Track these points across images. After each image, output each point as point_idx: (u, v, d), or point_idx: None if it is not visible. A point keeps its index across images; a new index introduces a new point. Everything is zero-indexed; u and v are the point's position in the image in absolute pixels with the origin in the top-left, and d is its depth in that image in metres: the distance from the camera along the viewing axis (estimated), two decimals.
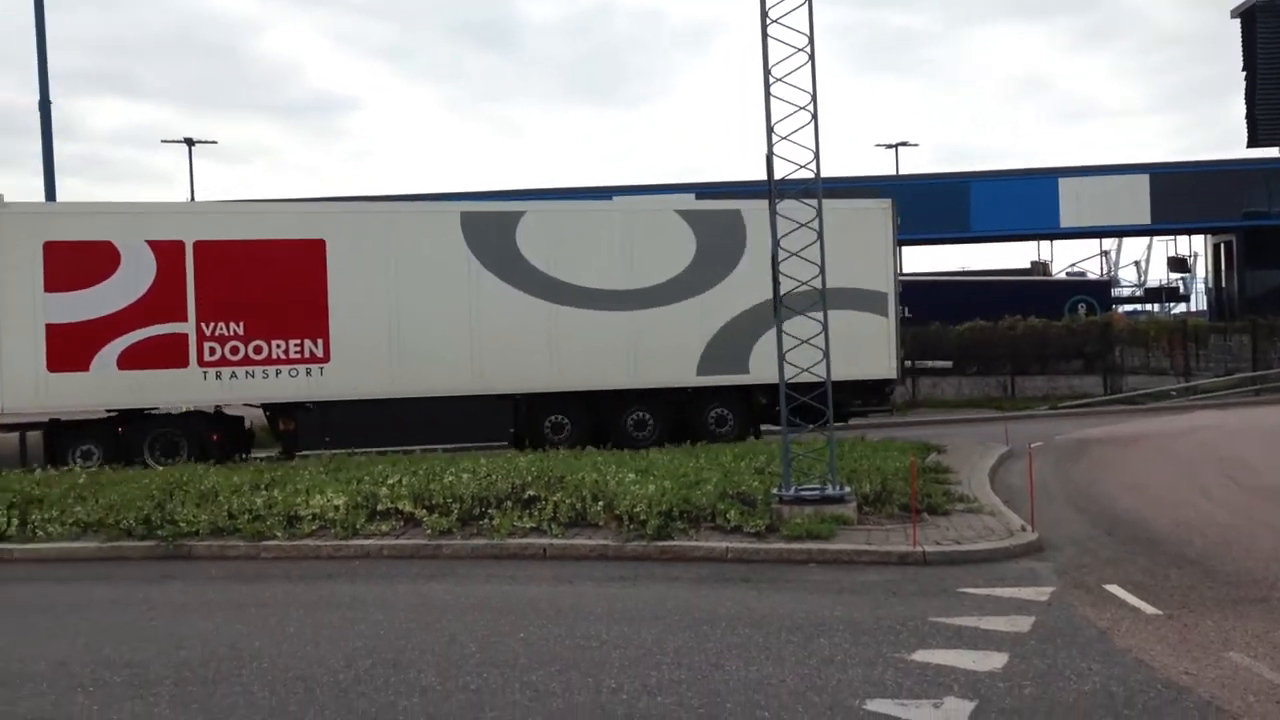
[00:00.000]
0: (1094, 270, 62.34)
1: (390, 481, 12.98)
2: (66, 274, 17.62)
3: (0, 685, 7.07)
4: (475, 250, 18.93)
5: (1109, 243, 62.42)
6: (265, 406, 19.01)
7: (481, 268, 18.92)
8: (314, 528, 11.77)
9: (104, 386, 17.71)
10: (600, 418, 19.70)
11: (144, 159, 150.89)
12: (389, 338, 18.62)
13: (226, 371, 18.08)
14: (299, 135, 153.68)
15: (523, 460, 14.46)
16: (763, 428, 20.55)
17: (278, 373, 18.30)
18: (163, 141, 69.94)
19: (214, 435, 18.46)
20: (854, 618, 8.31)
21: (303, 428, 18.54)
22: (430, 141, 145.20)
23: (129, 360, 17.75)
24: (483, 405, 18.90)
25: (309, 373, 18.38)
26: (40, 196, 26.84)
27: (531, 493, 12.25)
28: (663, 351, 19.33)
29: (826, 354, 12.33)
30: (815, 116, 11.68)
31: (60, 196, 27.63)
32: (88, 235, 17.88)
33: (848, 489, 11.91)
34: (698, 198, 49.24)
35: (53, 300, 17.53)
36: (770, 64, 11.68)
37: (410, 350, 18.66)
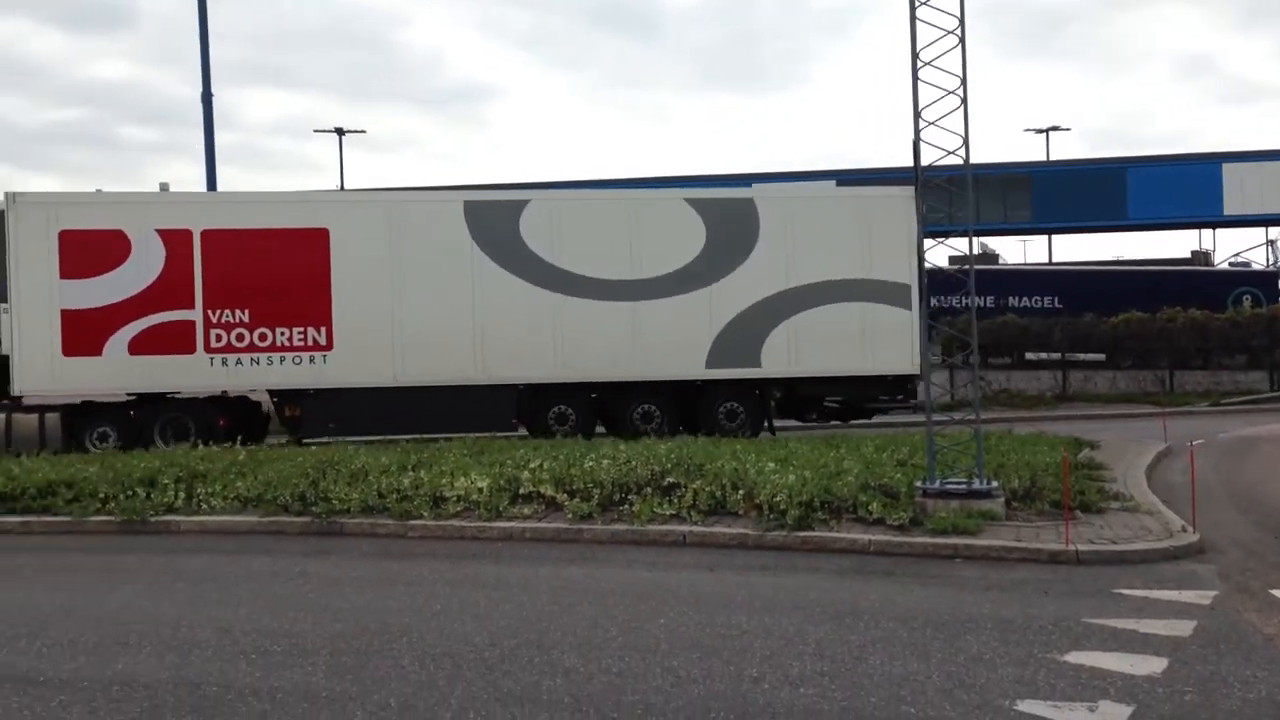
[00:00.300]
0: (1260, 260, 59.24)
1: (532, 465, 13.18)
2: (80, 262, 18.11)
3: (170, 650, 7.44)
4: (478, 239, 18.84)
5: (1276, 231, 59.26)
6: (272, 393, 19.18)
7: (485, 257, 18.81)
8: (459, 509, 12.05)
9: (116, 371, 18.17)
10: (606, 409, 19.57)
11: (297, 148, 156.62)
12: (391, 326, 18.71)
13: (232, 358, 18.41)
14: (443, 124, 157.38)
15: (662, 447, 14.51)
16: (776, 423, 20.09)
17: (281, 360, 18.52)
18: (315, 131, 72.25)
19: (220, 420, 18.66)
20: (1003, 616, 8.09)
21: (307, 414, 18.72)
22: (569, 128, 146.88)
23: (139, 346, 18.20)
24: (486, 394, 18.77)
25: (312, 360, 18.57)
26: (203, 186, 28.14)
27: (671, 480, 12.29)
28: (670, 343, 18.99)
29: (974, 346, 11.99)
30: (965, 101, 11.38)
31: (220, 185, 28.91)
32: (100, 224, 18.36)
33: (995, 484, 11.59)
34: (839, 184, 48.66)
35: (67, 287, 18.03)
36: (919, 47, 11.42)
37: (413, 339, 18.71)
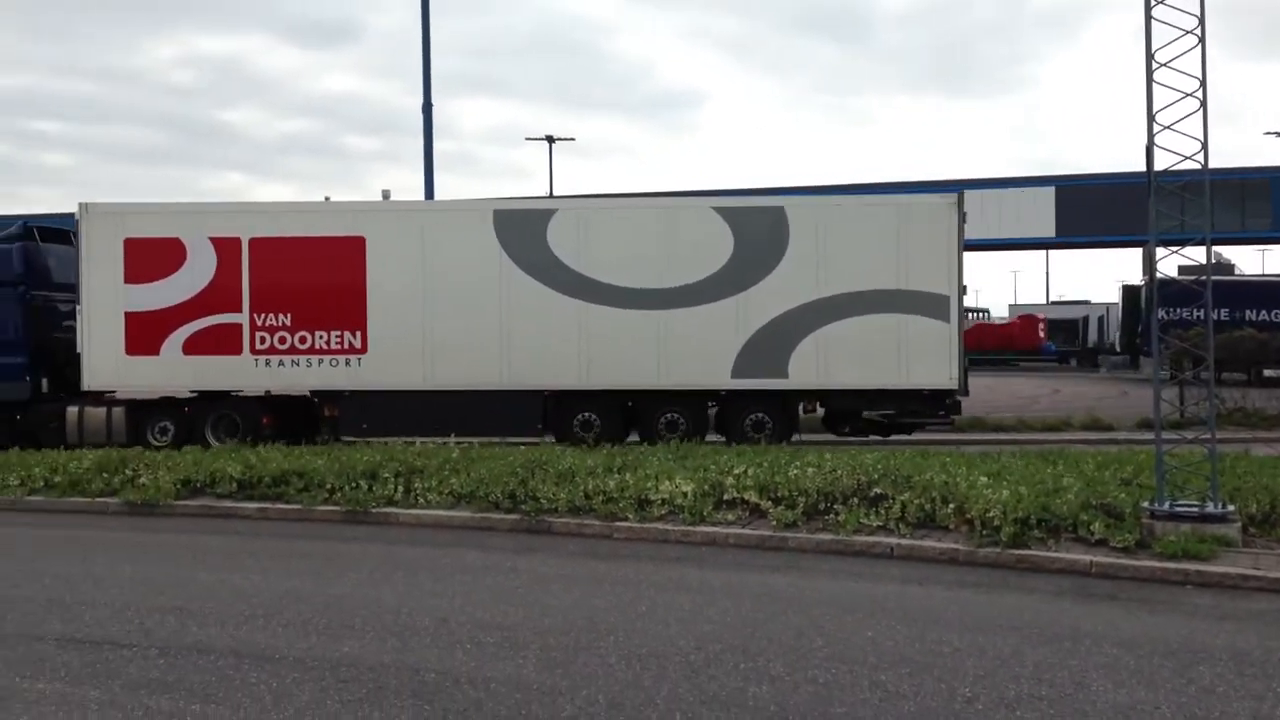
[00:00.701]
0: None
1: (736, 472, 13.16)
2: (142, 267, 19.19)
3: (392, 635, 7.80)
4: (507, 248, 18.99)
5: None
6: (313, 393, 19.69)
7: (513, 265, 18.94)
8: (663, 512, 12.16)
9: (171, 370, 19.28)
10: (631, 416, 19.39)
11: (508, 156, 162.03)
12: (422, 331, 19.07)
13: (275, 359, 19.18)
14: (651, 130, 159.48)
15: (869, 457, 14.24)
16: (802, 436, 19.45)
17: (320, 362, 19.17)
18: (526, 139, 74.66)
19: (264, 419, 19.47)
20: (1239, 647, 7.56)
21: (343, 414, 19.32)
22: (774, 133, 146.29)
23: (192, 346, 19.21)
24: (512, 400, 18.89)
25: (348, 363, 19.15)
26: (421, 194, 29.36)
27: (878, 490, 12.04)
28: (695, 352, 18.69)
29: (1210, 361, 11.26)
30: (1204, 104, 10.70)
31: (438, 193, 30.08)
32: (159, 232, 19.37)
33: (1231, 508, 10.85)
34: (1057, 191, 46.69)
35: (131, 290, 19.16)
36: (1154, 48, 10.82)
37: (442, 344, 19.02)
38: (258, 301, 19.25)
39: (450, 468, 14.14)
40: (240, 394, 19.75)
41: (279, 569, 10.33)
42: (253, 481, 13.95)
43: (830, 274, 18.56)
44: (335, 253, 19.30)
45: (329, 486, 13.53)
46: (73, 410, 19.43)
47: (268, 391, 19.69)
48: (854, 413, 19.48)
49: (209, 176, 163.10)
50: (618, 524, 11.96)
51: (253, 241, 19.35)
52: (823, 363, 18.59)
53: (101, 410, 19.49)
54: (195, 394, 19.79)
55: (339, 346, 19.23)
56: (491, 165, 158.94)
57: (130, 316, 19.29)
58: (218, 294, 19.27)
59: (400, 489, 13.39)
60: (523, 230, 19.12)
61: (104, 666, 7.13)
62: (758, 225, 18.93)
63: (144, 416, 19.72)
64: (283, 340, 19.27)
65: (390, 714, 6.23)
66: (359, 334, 19.19)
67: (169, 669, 7.06)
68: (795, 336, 18.62)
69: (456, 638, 7.73)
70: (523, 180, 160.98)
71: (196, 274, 19.32)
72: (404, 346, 19.15)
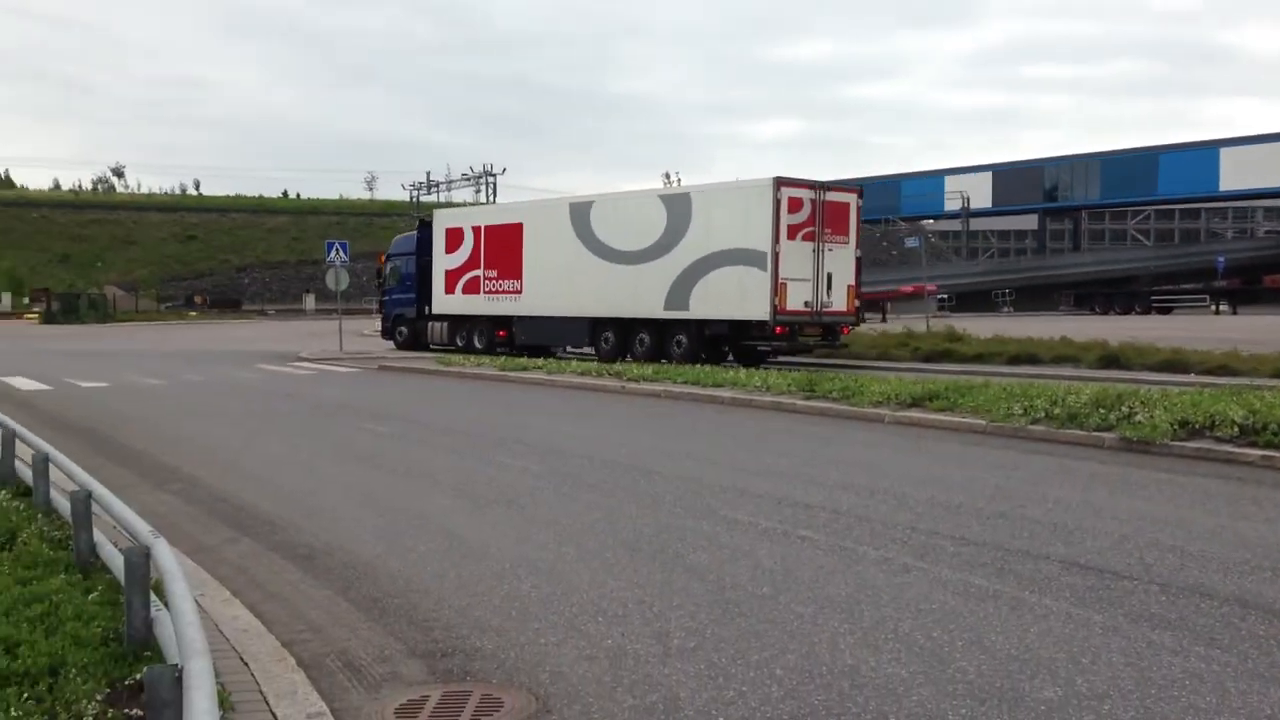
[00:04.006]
0: None
1: None
2: (450, 244, 33.14)
3: None
4: (575, 228, 29.04)
5: None
6: (507, 317, 31.43)
7: (576, 239, 28.97)
8: None
9: (459, 302, 32.91)
10: (627, 337, 28.17)
11: None
12: (540, 280, 30.11)
13: (491, 297, 31.74)
14: None
15: None
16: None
17: (507, 299, 31.30)
18: None
19: (497, 332, 31.78)
20: None
21: (516, 332, 31.20)
22: None
23: (465, 289, 32.61)
24: (573, 323, 29.36)
25: (516, 300, 31.09)
26: None
27: None
28: (647, 293, 27.21)
29: None
30: None
31: None
32: (456, 224, 33.42)
33: None
34: None
35: (446, 257, 33.27)
36: None
37: (546, 288, 29.96)
38: (486, 263, 32.04)
39: None
40: (483, 316, 32.32)
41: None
42: (1256, 428, 13.05)
43: (711, 238, 26.08)
44: (512, 234, 31.31)
45: None
46: (428, 324, 34.31)
47: (499, 315, 31.79)
48: (725, 338, 26.82)
49: (1207, 103, 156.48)
50: None
51: (487, 228, 32.36)
52: (705, 300, 26.17)
53: (438, 324, 33.94)
54: (484, 315, 32.22)
55: (513, 290, 31.19)
56: None
57: (446, 272, 33.27)
58: (473, 259, 32.42)
59: None
60: (580, 215, 29.05)
61: (1105, 593, 7.23)
62: (678, 206, 27.00)
63: (454, 328, 33.50)
64: (495, 285, 31.72)
65: None
66: (519, 283, 31.00)
67: (1169, 606, 6.91)
68: (693, 281, 26.34)
69: None
70: None
71: (467, 248, 32.67)
72: (535, 290, 30.41)
